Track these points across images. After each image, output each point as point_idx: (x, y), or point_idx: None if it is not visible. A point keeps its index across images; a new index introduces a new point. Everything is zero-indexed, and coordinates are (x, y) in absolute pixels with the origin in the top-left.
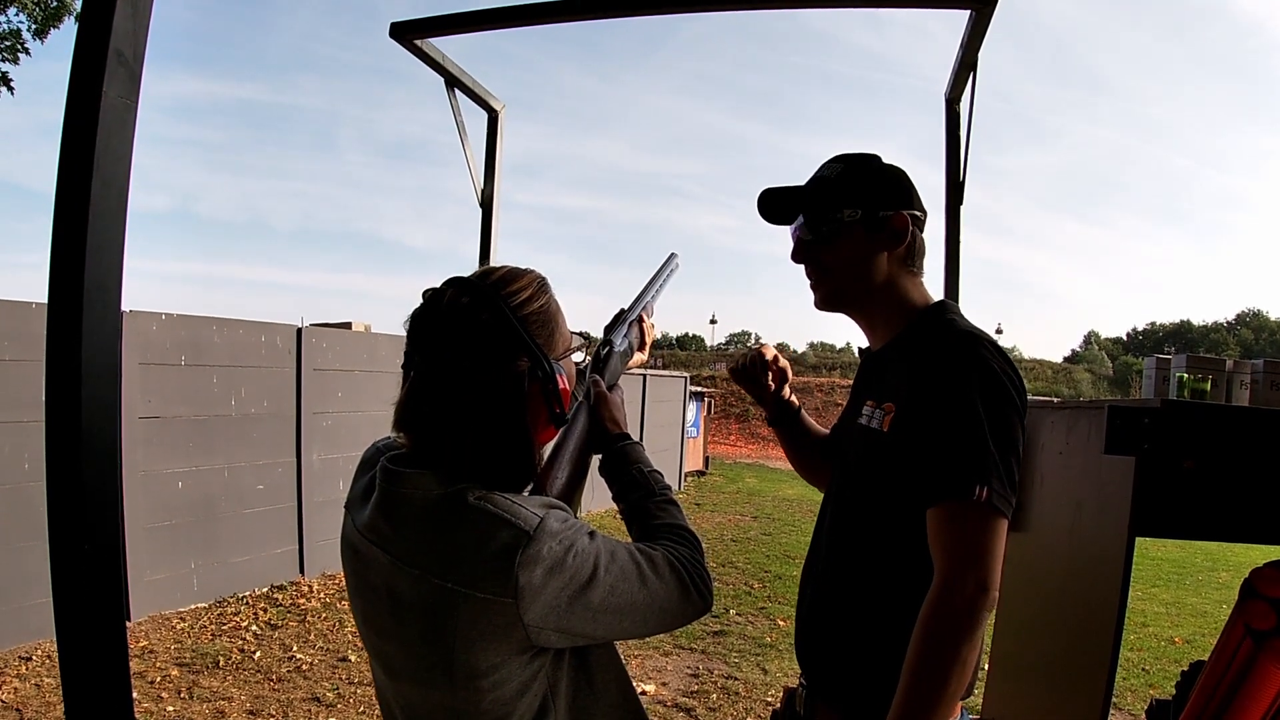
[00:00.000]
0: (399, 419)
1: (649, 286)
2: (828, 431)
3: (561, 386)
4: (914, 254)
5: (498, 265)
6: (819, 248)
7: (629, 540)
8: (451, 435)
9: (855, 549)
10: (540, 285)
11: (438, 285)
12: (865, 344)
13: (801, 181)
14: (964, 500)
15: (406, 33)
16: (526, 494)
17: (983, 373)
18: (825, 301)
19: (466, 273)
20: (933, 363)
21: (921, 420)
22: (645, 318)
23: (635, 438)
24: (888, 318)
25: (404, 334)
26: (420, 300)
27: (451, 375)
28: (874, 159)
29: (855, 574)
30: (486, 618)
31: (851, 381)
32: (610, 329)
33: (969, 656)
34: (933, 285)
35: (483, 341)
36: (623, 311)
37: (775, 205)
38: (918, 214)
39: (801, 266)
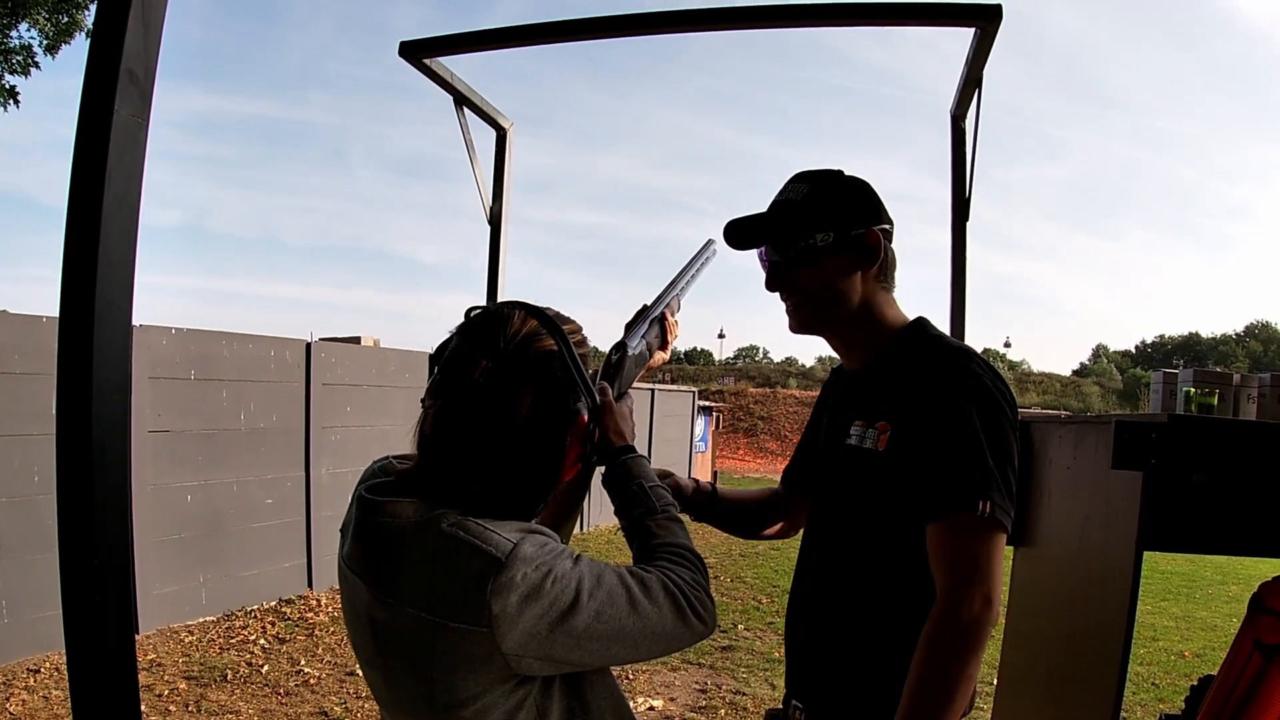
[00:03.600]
0: (434, 434)
1: (679, 278)
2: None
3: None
4: (887, 270)
5: (541, 305)
6: (794, 273)
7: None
8: (484, 456)
9: (852, 569)
10: (583, 333)
11: (487, 305)
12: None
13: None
14: (969, 515)
15: (416, 52)
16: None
17: (977, 388)
18: (802, 326)
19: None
20: (928, 380)
21: (921, 437)
22: (669, 315)
23: (642, 450)
24: (866, 337)
25: (413, 349)
26: (463, 317)
27: (510, 392)
28: (838, 175)
29: (854, 594)
30: (463, 647)
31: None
32: (630, 326)
33: (974, 672)
34: (939, 299)
35: (549, 367)
36: (645, 307)
37: (744, 234)
38: (886, 227)
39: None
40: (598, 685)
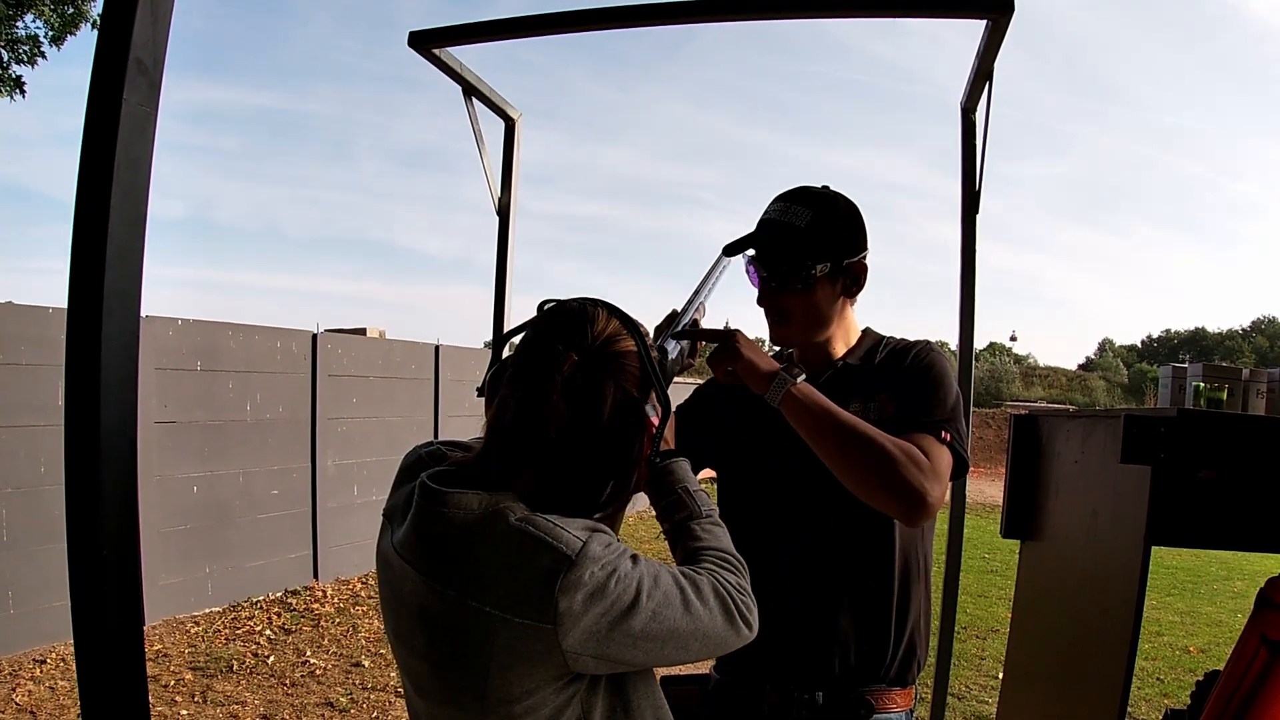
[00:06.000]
0: (515, 425)
1: (702, 285)
2: None
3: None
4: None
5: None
6: (788, 297)
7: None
8: (564, 450)
9: (868, 540)
10: (650, 337)
11: (563, 299)
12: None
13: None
14: (936, 437)
15: (425, 42)
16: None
17: (943, 358)
18: (785, 343)
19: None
20: (908, 356)
21: (914, 386)
22: (698, 320)
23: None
24: (841, 345)
25: (419, 340)
26: (536, 311)
27: (596, 388)
28: (837, 200)
29: (872, 565)
30: (524, 643)
31: None
32: (661, 331)
33: (884, 479)
34: (948, 294)
35: (630, 367)
36: (675, 312)
37: (743, 245)
38: (868, 252)
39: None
40: (640, 686)
